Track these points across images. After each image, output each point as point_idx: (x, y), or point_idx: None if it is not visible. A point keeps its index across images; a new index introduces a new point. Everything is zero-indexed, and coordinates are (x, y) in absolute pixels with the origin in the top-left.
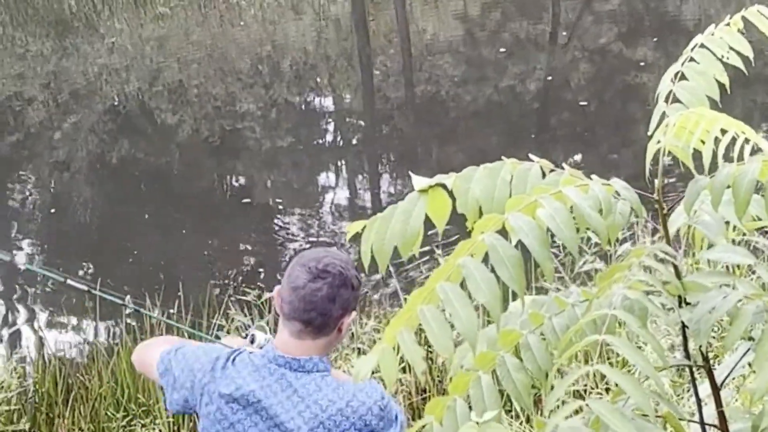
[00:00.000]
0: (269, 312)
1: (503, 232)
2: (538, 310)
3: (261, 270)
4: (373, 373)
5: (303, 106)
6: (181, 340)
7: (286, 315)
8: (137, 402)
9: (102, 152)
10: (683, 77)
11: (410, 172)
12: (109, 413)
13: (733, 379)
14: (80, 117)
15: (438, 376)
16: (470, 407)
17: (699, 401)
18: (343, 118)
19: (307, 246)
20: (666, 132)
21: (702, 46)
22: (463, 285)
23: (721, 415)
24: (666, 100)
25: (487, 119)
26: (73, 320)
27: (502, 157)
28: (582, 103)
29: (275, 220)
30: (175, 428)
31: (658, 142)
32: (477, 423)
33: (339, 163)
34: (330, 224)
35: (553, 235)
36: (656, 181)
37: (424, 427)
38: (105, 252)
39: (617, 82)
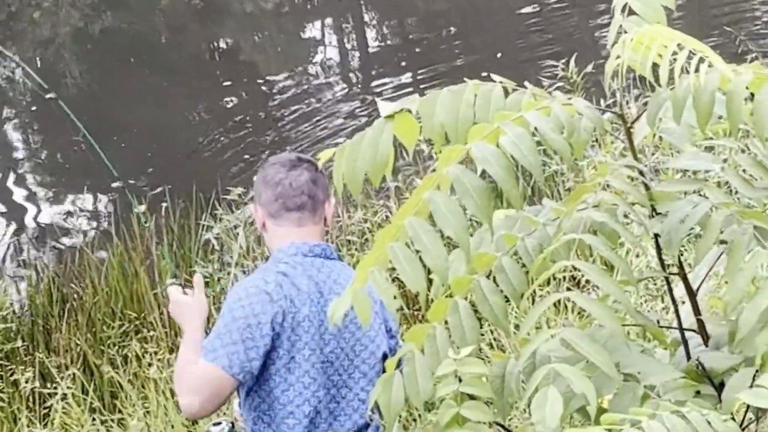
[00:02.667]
0: None
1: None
2: (512, 227)
3: (249, 154)
4: None
5: None
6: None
7: (276, 213)
8: (132, 312)
9: (85, 26)
10: None
11: (376, 99)
12: (105, 322)
13: (708, 279)
14: None
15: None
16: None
17: (676, 308)
18: None
19: (299, 111)
20: (624, 47)
21: None
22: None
23: (699, 322)
24: (622, 12)
25: None
26: (61, 227)
27: (465, 79)
28: None
29: (262, 90)
30: (173, 333)
31: (618, 57)
32: (455, 360)
33: (324, 21)
34: (319, 89)
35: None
36: (617, 96)
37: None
38: (93, 130)
39: None
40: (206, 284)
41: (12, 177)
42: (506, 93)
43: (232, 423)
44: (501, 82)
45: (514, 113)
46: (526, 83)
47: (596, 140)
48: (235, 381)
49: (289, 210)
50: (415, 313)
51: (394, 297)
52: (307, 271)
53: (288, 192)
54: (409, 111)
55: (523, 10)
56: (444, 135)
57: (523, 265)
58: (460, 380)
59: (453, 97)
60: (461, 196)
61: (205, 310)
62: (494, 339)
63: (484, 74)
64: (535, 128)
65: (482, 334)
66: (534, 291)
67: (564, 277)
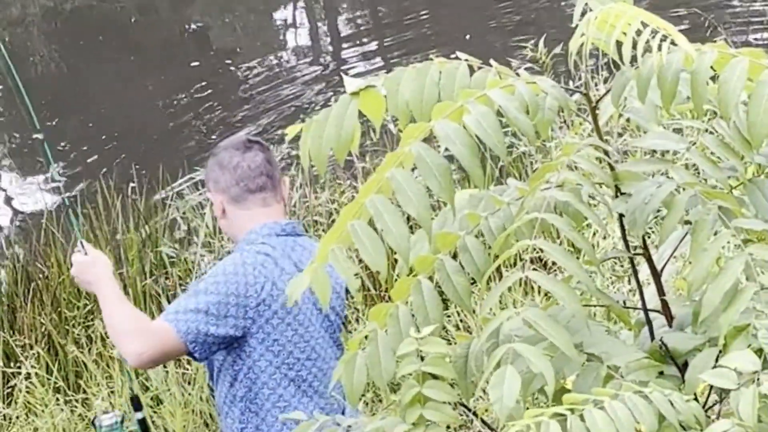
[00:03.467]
0: None
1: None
2: (476, 206)
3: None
4: None
5: None
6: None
7: (239, 197)
8: None
9: (55, 5)
10: None
11: (342, 74)
12: (70, 302)
13: (675, 260)
14: None
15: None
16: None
17: (641, 288)
18: None
19: (268, 91)
20: (589, 25)
21: None
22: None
23: (663, 303)
24: None
25: None
26: (26, 206)
27: (431, 56)
28: None
29: (231, 70)
30: None
31: (582, 35)
32: (417, 339)
33: (295, 2)
34: (288, 69)
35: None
36: (582, 75)
37: (367, 335)
38: (60, 108)
39: None
40: (172, 264)
41: None
42: (471, 71)
43: (123, 416)
44: (467, 60)
45: (478, 91)
46: (492, 61)
47: (564, 121)
48: (184, 347)
49: (253, 192)
50: (382, 293)
51: (356, 275)
52: (285, 251)
53: (248, 174)
54: (375, 87)
55: None
56: (409, 113)
57: (489, 247)
58: (423, 359)
59: (418, 75)
60: (423, 174)
61: (107, 261)
62: (461, 321)
63: (454, 56)
64: (500, 107)
65: (448, 316)
66: (500, 274)
67: (531, 259)
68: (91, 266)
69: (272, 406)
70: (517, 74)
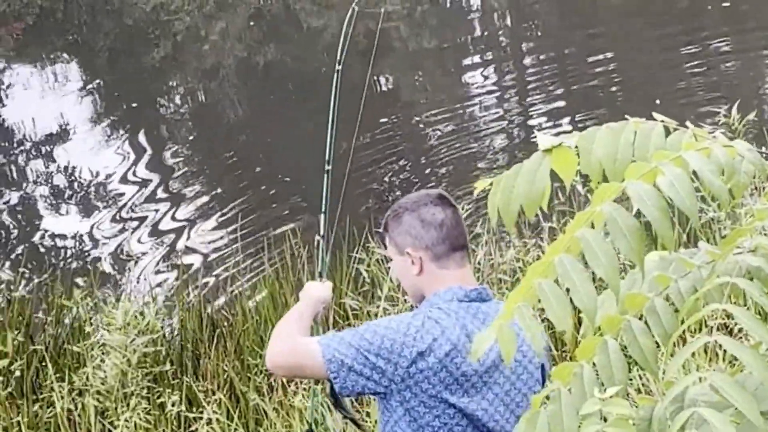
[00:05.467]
0: None
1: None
2: (666, 269)
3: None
4: None
5: (448, 4)
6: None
7: (444, 254)
8: None
9: (249, 58)
10: None
11: (536, 132)
12: (253, 350)
13: None
14: (226, 24)
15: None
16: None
17: None
18: (488, 14)
19: (454, 148)
20: None
21: None
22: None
23: None
24: None
25: (637, 12)
26: (215, 256)
27: (626, 116)
28: None
29: (419, 126)
30: None
31: None
32: (601, 399)
33: (483, 58)
34: (475, 126)
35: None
36: None
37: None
38: (253, 161)
39: None
40: (355, 316)
41: (169, 203)
42: (667, 132)
43: None
44: (662, 121)
45: (673, 153)
46: (688, 123)
47: (755, 188)
48: (323, 371)
49: (455, 250)
50: (564, 353)
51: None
52: (460, 319)
53: (452, 232)
54: (568, 145)
55: (684, 56)
56: (601, 172)
57: (677, 310)
58: (605, 420)
59: (612, 134)
60: (614, 235)
61: (327, 294)
62: (642, 384)
63: (643, 119)
64: (695, 170)
65: (630, 378)
66: (683, 338)
67: (716, 326)
68: (309, 289)
69: None
70: (714, 137)
